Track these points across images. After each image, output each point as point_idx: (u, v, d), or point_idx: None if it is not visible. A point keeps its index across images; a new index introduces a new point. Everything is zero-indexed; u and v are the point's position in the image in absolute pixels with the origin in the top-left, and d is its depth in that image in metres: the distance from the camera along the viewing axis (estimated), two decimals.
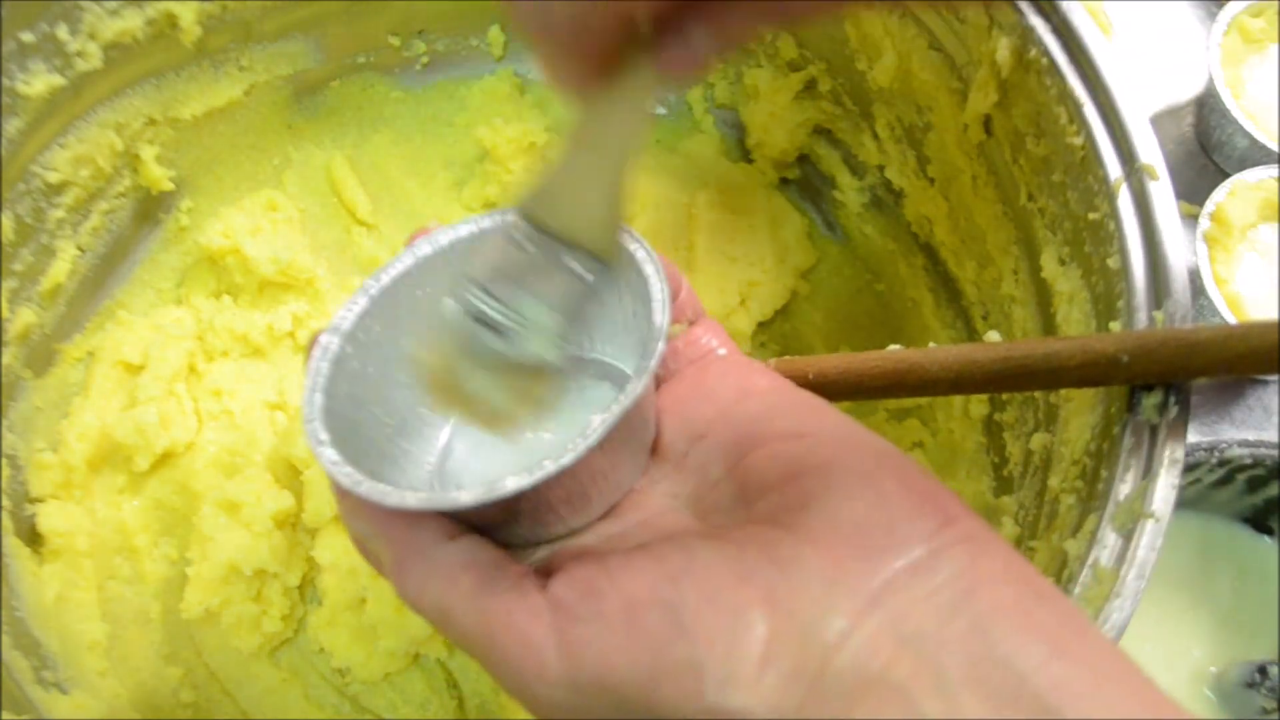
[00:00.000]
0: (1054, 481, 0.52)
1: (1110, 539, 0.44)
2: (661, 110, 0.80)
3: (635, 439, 0.38)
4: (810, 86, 0.74)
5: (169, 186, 0.69)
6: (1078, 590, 0.44)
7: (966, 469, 0.65)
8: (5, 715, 0.53)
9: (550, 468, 0.33)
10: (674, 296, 0.40)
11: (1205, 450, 0.63)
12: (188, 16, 0.64)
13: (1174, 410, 0.46)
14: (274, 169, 0.76)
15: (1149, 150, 0.50)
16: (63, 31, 0.58)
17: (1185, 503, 0.66)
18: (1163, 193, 0.49)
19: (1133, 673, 0.31)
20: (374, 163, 0.77)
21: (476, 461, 0.41)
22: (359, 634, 0.64)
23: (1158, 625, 0.65)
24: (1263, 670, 0.62)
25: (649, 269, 0.38)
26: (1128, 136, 0.51)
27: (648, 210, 0.74)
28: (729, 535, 0.34)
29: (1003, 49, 0.55)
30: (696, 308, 0.42)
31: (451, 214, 0.76)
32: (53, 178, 0.62)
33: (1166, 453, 0.45)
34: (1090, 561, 0.44)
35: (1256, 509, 0.67)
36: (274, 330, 0.70)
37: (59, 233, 0.64)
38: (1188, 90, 0.75)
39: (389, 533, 0.36)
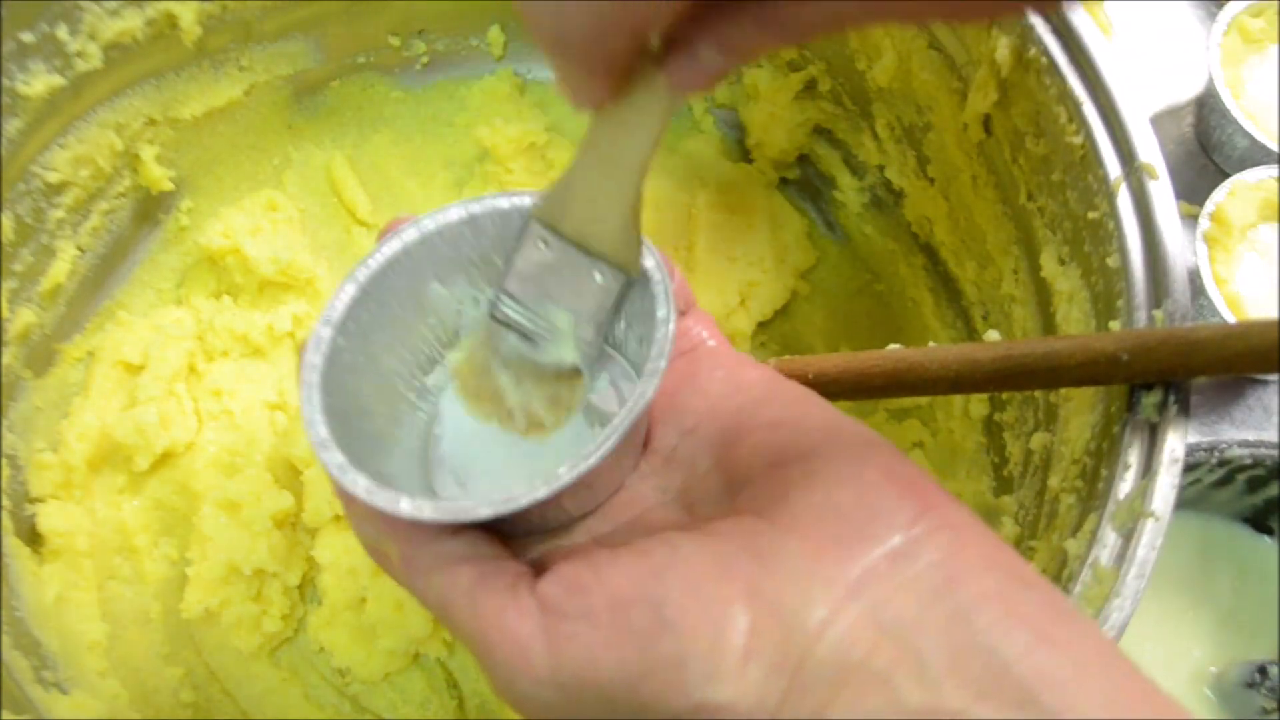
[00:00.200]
0: (1054, 481, 0.52)
1: (1110, 538, 0.44)
2: None
3: (636, 434, 0.38)
4: (810, 86, 0.74)
5: (169, 186, 0.69)
6: (1078, 590, 0.44)
7: (966, 469, 0.65)
8: (5, 715, 0.53)
9: (566, 478, 0.34)
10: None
11: (1205, 450, 0.62)
12: (188, 16, 0.64)
13: (1174, 409, 0.46)
14: (274, 169, 0.76)
15: (1149, 149, 0.50)
16: (63, 31, 0.58)
17: (1185, 503, 0.66)
18: (1162, 192, 0.50)
19: (1117, 660, 0.31)
20: (374, 163, 0.77)
21: (466, 448, 0.42)
22: (359, 634, 0.64)
23: (1158, 625, 0.65)
24: (1263, 670, 0.62)
25: (654, 274, 0.38)
26: (1127, 136, 0.51)
27: (648, 210, 0.74)
28: (712, 528, 0.34)
29: (1002, 49, 0.55)
30: (688, 298, 0.42)
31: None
32: (53, 178, 0.62)
33: (1166, 451, 0.45)
34: (1090, 561, 0.44)
35: (1256, 509, 0.67)
36: (274, 330, 0.70)
37: (59, 233, 0.64)
38: (1188, 90, 0.75)
39: (395, 530, 0.36)
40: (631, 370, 0.42)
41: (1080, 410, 0.51)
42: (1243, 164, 0.67)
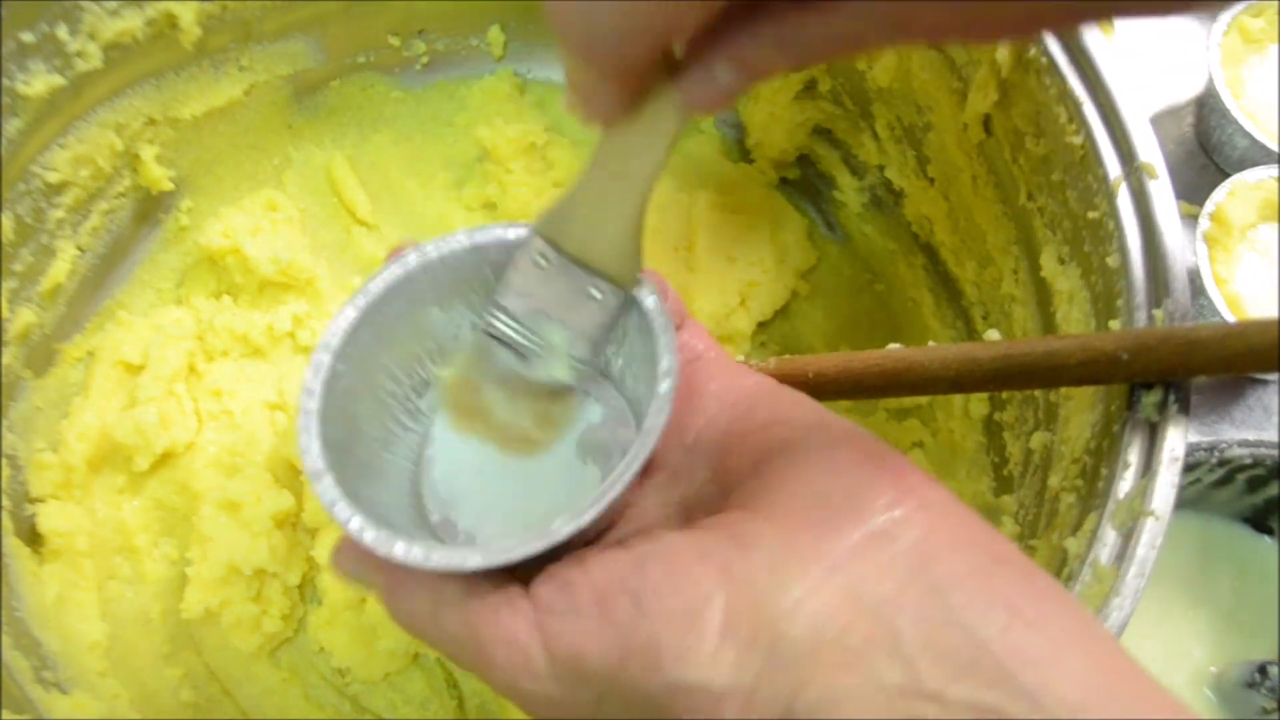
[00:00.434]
0: (1054, 480, 0.52)
1: (1110, 537, 0.44)
2: None
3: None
4: (810, 86, 0.74)
5: (169, 186, 0.69)
6: (1078, 589, 0.44)
7: (966, 469, 0.65)
8: (5, 715, 0.53)
9: (561, 532, 0.34)
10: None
11: (1205, 450, 0.63)
12: (188, 16, 0.64)
13: (1174, 408, 0.46)
14: (274, 169, 0.76)
15: (1148, 149, 0.50)
16: (63, 31, 0.58)
17: (1185, 503, 0.66)
18: (1162, 191, 0.50)
19: (1096, 637, 0.31)
20: (374, 163, 0.77)
21: (457, 471, 0.41)
22: (359, 634, 0.64)
23: (1158, 625, 0.65)
24: (1263, 670, 0.62)
25: (656, 317, 0.38)
26: (1127, 136, 0.51)
27: (648, 210, 0.74)
28: (698, 524, 0.35)
29: (1002, 49, 0.55)
30: (681, 311, 0.42)
31: (451, 214, 0.76)
32: (53, 178, 0.62)
33: (1166, 450, 0.45)
34: (1090, 560, 0.44)
35: (1256, 509, 0.67)
36: (274, 330, 0.70)
37: (59, 233, 0.64)
38: (1188, 90, 0.75)
39: (376, 564, 0.36)
40: (623, 400, 0.41)
41: (1080, 409, 0.51)
42: (1243, 164, 0.67)
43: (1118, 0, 0.31)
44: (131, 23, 0.61)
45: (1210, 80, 0.69)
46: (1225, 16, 0.69)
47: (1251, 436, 0.63)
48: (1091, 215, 0.52)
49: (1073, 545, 0.46)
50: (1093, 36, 0.52)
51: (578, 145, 0.78)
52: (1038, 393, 0.57)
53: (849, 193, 0.76)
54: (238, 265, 0.70)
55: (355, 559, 0.38)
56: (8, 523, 0.62)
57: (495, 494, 0.41)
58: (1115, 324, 0.49)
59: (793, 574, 0.32)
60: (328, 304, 0.72)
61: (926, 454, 0.69)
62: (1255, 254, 0.64)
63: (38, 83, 0.58)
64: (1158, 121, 0.73)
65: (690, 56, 0.34)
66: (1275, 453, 0.62)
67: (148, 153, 0.67)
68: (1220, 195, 0.64)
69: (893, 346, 0.52)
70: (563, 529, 0.34)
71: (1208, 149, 0.73)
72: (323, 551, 0.64)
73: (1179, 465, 0.45)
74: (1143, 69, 0.76)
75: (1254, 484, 0.65)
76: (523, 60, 0.79)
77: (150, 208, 0.71)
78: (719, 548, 0.33)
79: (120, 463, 0.67)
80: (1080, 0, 0.30)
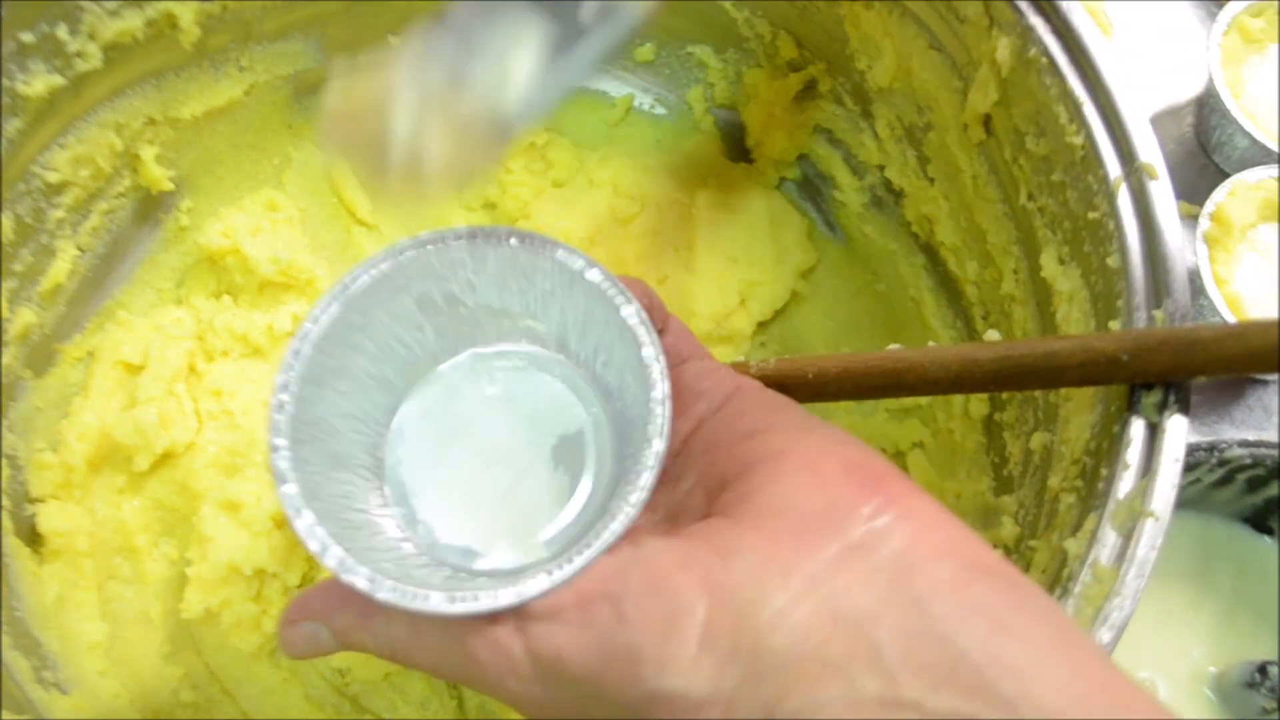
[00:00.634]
0: (1054, 480, 0.52)
1: (1110, 538, 0.44)
2: (661, 110, 0.80)
3: None
4: (810, 86, 0.73)
5: (169, 186, 0.69)
6: (1078, 589, 0.44)
7: (966, 469, 0.65)
8: (5, 715, 0.53)
9: (533, 590, 0.33)
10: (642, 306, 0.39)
11: (1205, 450, 0.62)
12: (187, 17, 0.64)
13: (1174, 408, 0.46)
14: (274, 169, 0.76)
15: (1149, 149, 0.50)
16: (63, 31, 0.58)
17: (1185, 503, 0.66)
18: (1162, 192, 0.49)
19: (1078, 645, 0.31)
20: None
21: (425, 474, 0.40)
22: None
23: (1158, 625, 0.65)
24: (1263, 670, 0.62)
25: (653, 364, 0.37)
26: (1127, 136, 0.51)
27: (648, 210, 0.74)
28: (682, 531, 0.35)
29: (1003, 48, 0.55)
30: (663, 315, 0.42)
31: (451, 213, 0.76)
32: (53, 178, 0.62)
33: (1166, 451, 0.45)
34: (1090, 560, 0.44)
35: (1256, 509, 0.67)
36: (274, 330, 0.70)
37: (59, 233, 0.64)
38: (1188, 90, 0.75)
39: (344, 596, 0.36)
40: (604, 410, 0.41)
41: (1080, 410, 0.51)
42: (1243, 164, 0.67)
43: None
44: (131, 23, 0.61)
45: (1210, 80, 0.69)
46: (1225, 16, 0.69)
47: (1251, 437, 0.63)
48: (1092, 215, 0.52)
49: (1073, 546, 0.46)
50: (1093, 36, 0.52)
51: (578, 145, 0.78)
52: (1038, 393, 0.57)
53: (849, 193, 0.76)
54: (238, 265, 0.70)
55: (321, 606, 0.37)
56: (8, 523, 0.62)
57: (459, 488, 0.40)
58: (1115, 324, 0.49)
59: (774, 585, 0.32)
60: None
61: (926, 454, 0.69)
62: (1255, 254, 0.64)
63: (38, 83, 0.58)
64: (1158, 121, 0.73)
65: None
66: (1275, 453, 0.62)
67: (148, 153, 0.67)
68: (1220, 195, 0.64)
69: (893, 347, 0.52)
70: (534, 589, 0.33)
71: (1208, 149, 0.73)
72: None
73: (1179, 466, 0.45)
74: (1143, 69, 0.76)
75: (1254, 484, 0.65)
76: None
77: (150, 208, 0.71)
78: (701, 556, 0.33)
79: (120, 463, 0.67)
80: None
